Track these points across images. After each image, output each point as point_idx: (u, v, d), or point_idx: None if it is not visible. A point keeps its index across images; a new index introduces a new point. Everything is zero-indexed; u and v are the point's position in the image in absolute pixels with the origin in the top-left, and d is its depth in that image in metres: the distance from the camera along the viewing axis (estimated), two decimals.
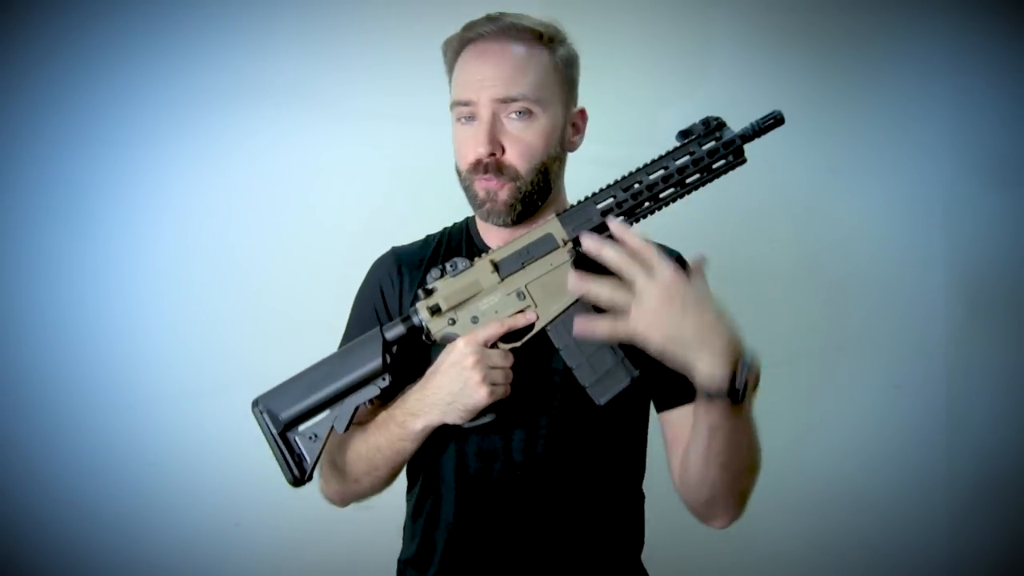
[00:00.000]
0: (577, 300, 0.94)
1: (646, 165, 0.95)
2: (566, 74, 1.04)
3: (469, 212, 1.16)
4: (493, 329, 0.94)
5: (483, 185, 1.01)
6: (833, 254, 1.92)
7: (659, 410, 1.09)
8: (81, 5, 1.49)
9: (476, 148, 0.99)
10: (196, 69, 1.54)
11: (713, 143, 0.95)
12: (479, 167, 0.99)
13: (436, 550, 1.06)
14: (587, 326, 0.89)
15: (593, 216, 0.95)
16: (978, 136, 2.02)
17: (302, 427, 0.98)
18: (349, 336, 1.12)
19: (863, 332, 1.95)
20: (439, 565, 1.05)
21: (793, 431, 1.90)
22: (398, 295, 1.08)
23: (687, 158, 0.94)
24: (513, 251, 0.96)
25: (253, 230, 1.58)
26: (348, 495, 1.08)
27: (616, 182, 0.95)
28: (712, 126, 0.95)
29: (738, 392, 0.84)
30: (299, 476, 0.98)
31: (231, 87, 1.55)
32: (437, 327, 0.97)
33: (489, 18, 1.02)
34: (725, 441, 0.90)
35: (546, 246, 0.96)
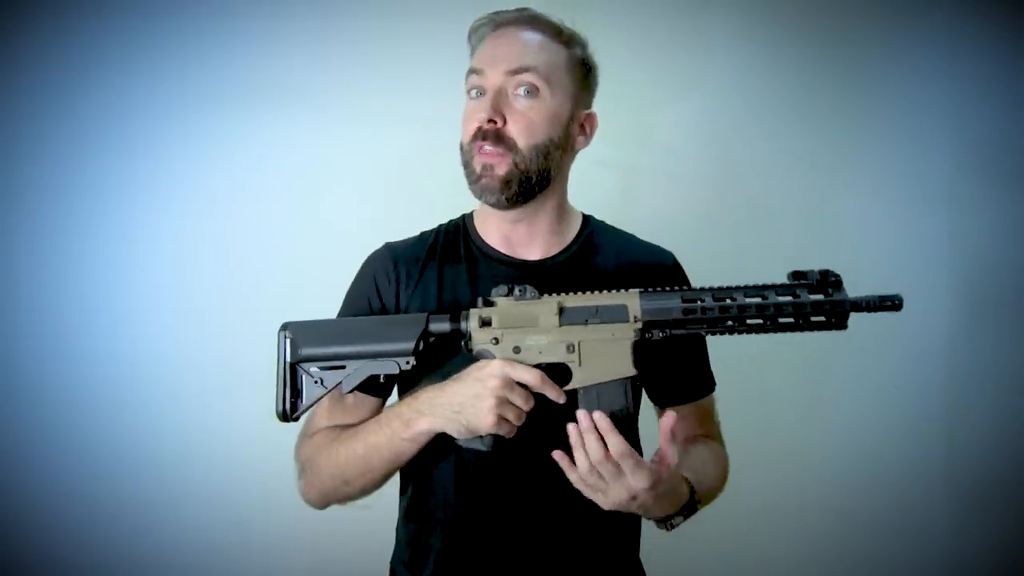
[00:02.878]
0: (621, 379, 0.92)
1: (747, 286, 0.93)
2: (580, 73, 1.07)
3: (465, 211, 1.16)
4: (530, 378, 0.91)
5: (481, 159, 1.01)
6: (833, 254, 1.92)
7: (662, 407, 1.15)
8: (81, 6, 1.49)
9: (478, 115, 1.01)
10: (195, 71, 1.54)
11: (821, 297, 0.93)
12: (479, 134, 1.01)
13: (431, 551, 1.05)
14: (564, 464, 0.90)
15: (675, 310, 0.92)
16: (978, 135, 2.02)
17: (313, 367, 0.98)
18: None
19: (863, 332, 1.95)
20: (434, 567, 1.05)
21: (793, 431, 1.90)
22: (394, 290, 1.08)
23: (789, 299, 0.92)
24: (584, 304, 0.94)
25: (253, 230, 1.58)
26: (334, 497, 1.06)
27: (711, 288, 0.94)
28: (828, 280, 0.94)
29: (668, 527, 0.98)
30: (288, 413, 0.98)
31: (230, 88, 1.55)
32: (480, 339, 0.95)
33: (517, 9, 1.07)
34: None
35: (616, 315, 0.93)
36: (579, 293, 0.95)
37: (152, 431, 1.52)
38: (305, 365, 0.99)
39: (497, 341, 0.94)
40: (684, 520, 0.99)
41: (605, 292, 0.95)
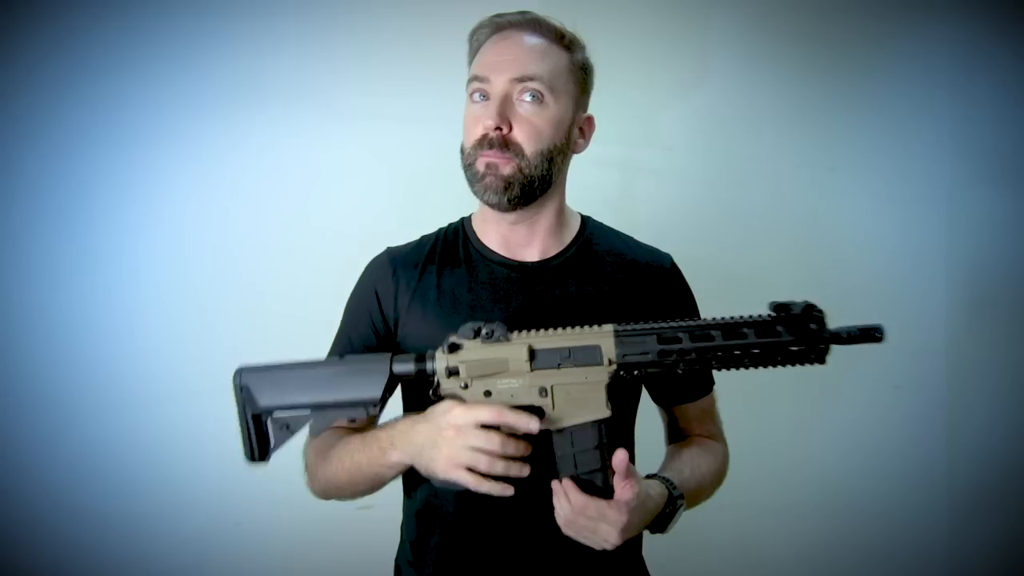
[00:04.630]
0: (594, 421, 0.90)
1: (724, 323, 0.90)
2: (580, 77, 1.07)
3: (466, 213, 1.17)
4: (488, 416, 0.88)
5: (485, 159, 1.01)
6: (833, 254, 1.92)
7: (664, 407, 1.18)
8: (81, 5, 1.49)
9: (484, 122, 1.00)
10: (195, 70, 1.54)
11: (803, 331, 0.88)
12: (484, 142, 1.00)
13: (432, 549, 1.06)
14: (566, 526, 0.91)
15: (651, 351, 0.89)
16: (979, 136, 2.02)
17: (277, 413, 0.96)
18: (341, 337, 1.13)
19: None
20: (435, 564, 1.05)
21: (793, 431, 1.90)
22: (393, 297, 1.08)
23: (769, 340, 0.88)
24: (555, 347, 0.90)
25: (252, 230, 1.57)
26: (332, 496, 1.09)
27: (687, 325, 0.90)
28: (811, 315, 0.88)
29: (664, 530, 0.99)
30: (258, 457, 0.96)
31: (230, 88, 1.55)
32: (447, 386, 0.92)
33: (519, 12, 1.06)
34: None
35: (590, 357, 0.89)
36: (550, 331, 0.91)
37: (152, 431, 1.52)
38: (266, 413, 0.96)
39: (466, 386, 0.91)
40: (675, 518, 0.99)
41: (578, 329, 0.91)
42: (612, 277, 1.08)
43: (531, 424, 0.87)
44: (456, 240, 1.12)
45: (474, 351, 0.90)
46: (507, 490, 0.89)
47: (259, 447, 0.96)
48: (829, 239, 1.92)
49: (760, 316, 0.90)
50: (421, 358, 0.93)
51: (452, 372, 0.91)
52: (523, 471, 0.89)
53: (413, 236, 1.16)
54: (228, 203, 1.56)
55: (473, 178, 1.03)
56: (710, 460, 1.12)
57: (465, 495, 1.03)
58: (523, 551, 1.03)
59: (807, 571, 1.93)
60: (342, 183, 1.62)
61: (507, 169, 1.00)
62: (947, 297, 2.01)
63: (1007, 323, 2.05)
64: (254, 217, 1.57)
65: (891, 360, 1.99)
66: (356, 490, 1.04)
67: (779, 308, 0.89)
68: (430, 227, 1.17)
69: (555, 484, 0.91)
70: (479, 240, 1.10)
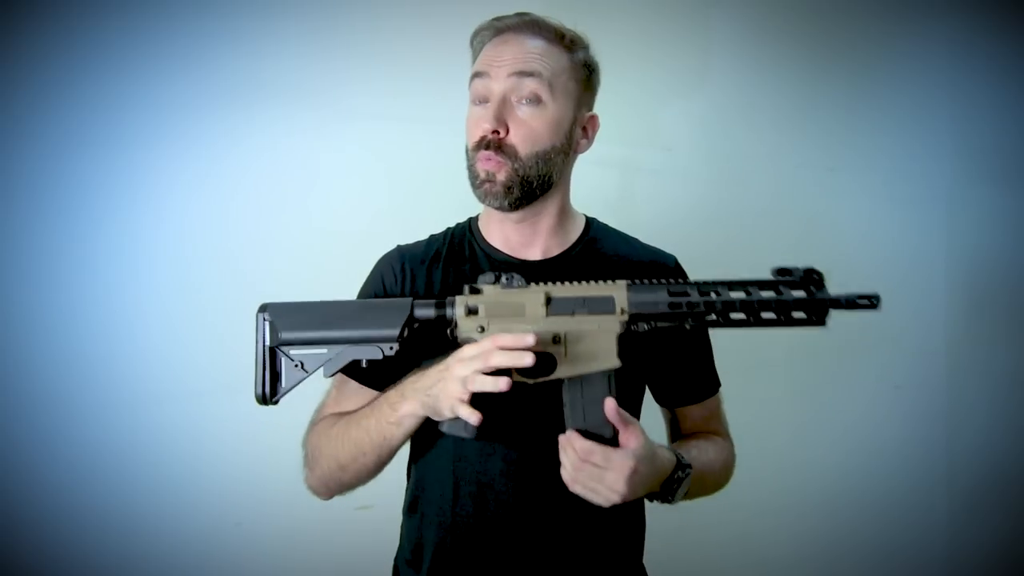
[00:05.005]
0: (604, 371, 0.93)
1: (730, 281, 0.95)
2: (582, 76, 1.07)
3: (470, 212, 1.17)
4: (487, 343, 0.89)
5: (483, 166, 1.02)
6: (833, 253, 1.92)
7: (668, 408, 1.18)
8: (81, 5, 1.49)
9: (482, 124, 1.02)
10: (195, 70, 1.54)
11: (803, 294, 0.94)
12: (482, 143, 1.02)
13: (428, 549, 1.06)
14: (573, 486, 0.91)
15: (661, 302, 0.93)
16: (979, 136, 2.02)
17: (293, 351, 0.96)
18: None
19: (863, 332, 1.95)
20: (431, 564, 1.05)
21: (793, 431, 1.90)
22: (400, 290, 1.09)
23: (772, 295, 0.93)
24: (571, 295, 0.94)
25: (253, 230, 1.57)
26: (332, 484, 1.07)
27: (696, 282, 0.95)
28: (812, 278, 0.94)
29: (672, 496, 1.00)
30: (268, 396, 0.96)
31: (230, 88, 1.55)
32: (465, 328, 0.94)
33: (518, 14, 1.07)
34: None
35: (603, 307, 0.93)
36: (566, 283, 0.95)
37: (152, 431, 1.52)
38: (285, 348, 0.96)
39: (483, 329, 0.93)
40: (683, 486, 1.00)
41: (592, 283, 0.95)
42: (615, 277, 1.08)
43: (527, 339, 0.88)
44: (463, 239, 1.13)
45: (494, 295, 0.94)
46: (474, 415, 0.88)
47: (271, 386, 0.96)
48: (829, 239, 1.92)
49: (764, 279, 0.95)
50: (441, 303, 0.96)
51: (471, 311, 0.94)
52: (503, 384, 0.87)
53: (413, 236, 1.16)
54: (228, 203, 1.56)
55: (474, 181, 1.05)
56: (717, 450, 1.13)
57: (461, 493, 1.03)
58: (522, 553, 1.02)
59: (807, 571, 1.93)
60: (342, 183, 1.62)
61: (502, 175, 1.01)
62: (947, 297, 2.01)
63: (1007, 323, 2.05)
64: (254, 217, 1.57)
65: (891, 360, 1.99)
66: (362, 465, 1.02)
67: (781, 272, 0.95)
68: (431, 227, 1.17)
69: (561, 437, 0.92)
70: (484, 239, 1.11)
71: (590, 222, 1.15)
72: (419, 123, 1.61)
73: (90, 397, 1.49)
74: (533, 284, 0.95)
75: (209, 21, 1.54)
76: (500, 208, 1.04)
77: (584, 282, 0.95)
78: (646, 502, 1.13)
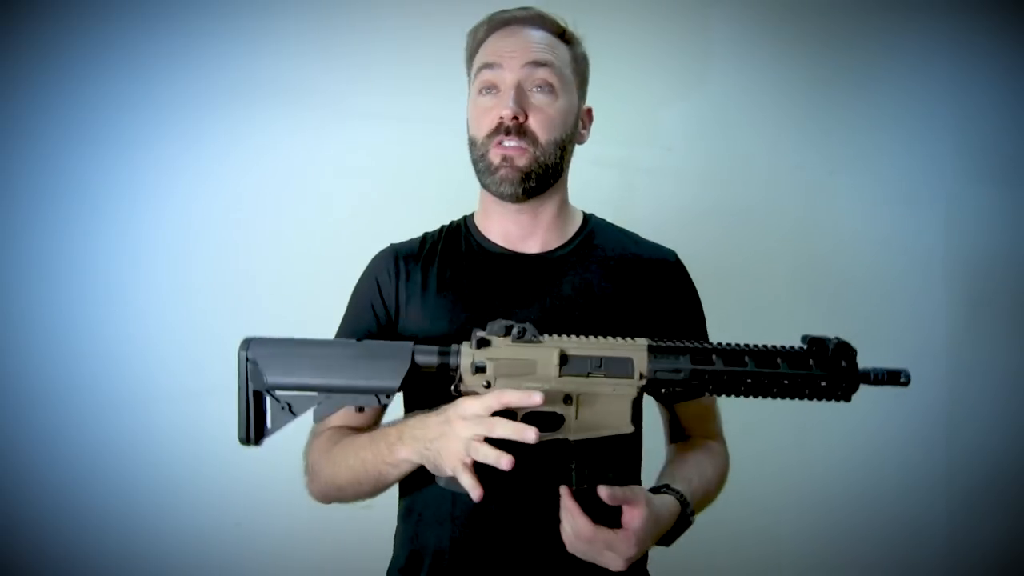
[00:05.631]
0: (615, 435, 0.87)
1: (757, 350, 0.88)
2: (580, 69, 1.09)
3: (466, 211, 1.17)
4: (493, 401, 0.84)
5: (500, 151, 1.01)
6: (833, 254, 1.92)
7: (665, 404, 1.17)
8: (81, 5, 1.49)
9: (501, 111, 1.01)
10: (195, 69, 1.54)
11: (831, 374, 0.88)
12: (499, 130, 1.01)
13: (425, 558, 1.04)
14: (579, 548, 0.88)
15: (684, 369, 0.87)
16: (979, 136, 2.02)
17: (281, 392, 0.90)
18: (344, 325, 1.12)
19: (863, 332, 1.94)
20: (428, 570, 1.04)
21: (793, 431, 1.90)
22: (394, 288, 1.09)
23: (802, 374, 0.88)
24: (588, 355, 0.87)
25: (252, 229, 1.57)
26: (332, 498, 1.07)
27: (722, 349, 0.88)
28: (845, 353, 0.88)
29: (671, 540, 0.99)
30: (252, 438, 0.90)
31: (231, 87, 1.55)
32: (470, 383, 0.88)
33: (520, 8, 1.08)
34: None
35: (621, 369, 0.87)
36: (583, 338, 0.89)
37: (151, 431, 1.52)
38: (271, 389, 0.90)
39: (489, 385, 0.87)
40: (683, 534, 1.00)
41: (610, 340, 0.89)
42: (614, 272, 1.08)
43: (534, 398, 0.83)
44: (458, 235, 1.13)
45: (503, 349, 0.87)
46: (475, 489, 0.84)
47: (255, 428, 0.90)
48: (829, 239, 1.92)
49: (792, 347, 0.89)
50: (445, 351, 0.90)
51: (479, 369, 0.87)
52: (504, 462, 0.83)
53: (411, 235, 1.16)
54: (228, 202, 1.56)
55: (486, 169, 1.03)
56: (715, 464, 1.12)
57: (462, 501, 1.02)
58: (519, 560, 1.01)
59: (808, 570, 1.93)
60: (342, 183, 1.62)
61: (522, 160, 1.01)
62: (947, 297, 2.01)
63: (1007, 323, 2.05)
64: (254, 216, 1.57)
65: (891, 360, 1.98)
66: (358, 491, 1.02)
67: (812, 342, 0.89)
68: (428, 226, 1.17)
69: (564, 498, 0.88)
70: (480, 234, 1.11)
71: (588, 217, 1.15)
72: (419, 123, 1.61)
73: (90, 397, 1.49)
74: (547, 337, 0.88)
75: (209, 21, 1.55)
76: (512, 196, 1.02)
77: (601, 337, 0.89)
78: None
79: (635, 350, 0.88)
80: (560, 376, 0.87)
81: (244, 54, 1.56)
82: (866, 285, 1.94)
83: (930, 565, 2.04)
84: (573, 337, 0.89)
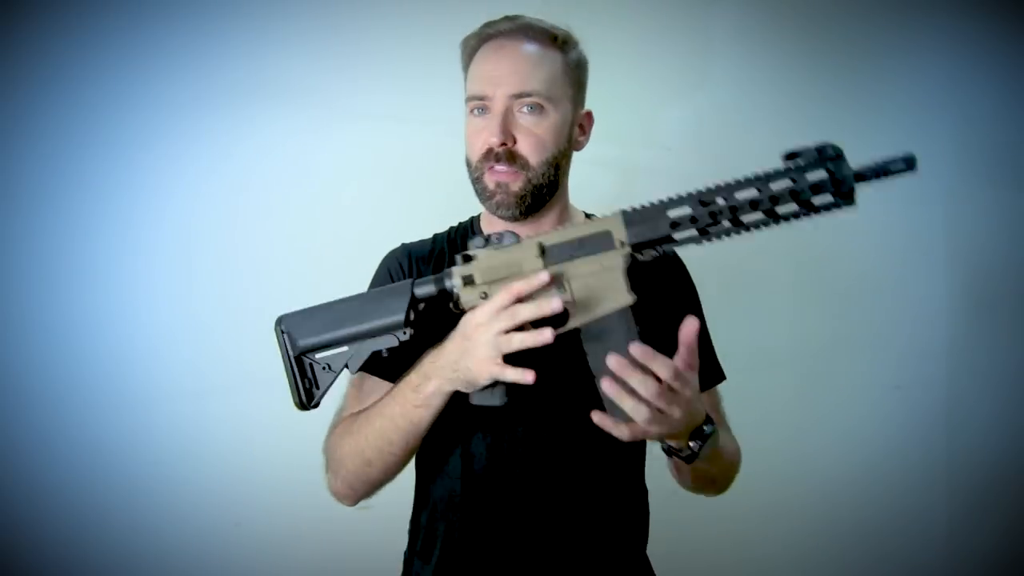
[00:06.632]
0: (618, 310, 0.86)
1: (736, 181, 0.85)
2: (576, 76, 1.07)
3: (472, 212, 1.17)
4: (504, 297, 0.85)
5: (494, 177, 1.02)
6: (833, 254, 1.92)
7: None
8: (81, 5, 1.49)
9: (489, 138, 1.01)
10: (196, 70, 1.54)
11: (822, 174, 0.82)
12: (490, 156, 1.01)
13: (438, 541, 1.06)
14: (607, 425, 0.84)
15: (661, 226, 0.86)
16: (979, 136, 2.03)
17: (319, 355, 0.98)
18: None
19: (863, 332, 1.95)
20: (440, 555, 1.05)
21: (793, 431, 1.90)
22: None
23: (786, 184, 0.83)
24: (565, 239, 0.89)
25: (253, 230, 1.58)
26: (359, 484, 1.04)
27: (695, 193, 0.86)
28: (827, 155, 0.82)
29: (694, 455, 0.92)
30: (306, 402, 0.97)
31: (231, 88, 1.55)
32: (468, 298, 0.91)
33: (507, 18, 1.05)
34: (697, 472, 1.02)
35: (601, 244, 0.88)
36: (558, 228, 0.91)
37: (151, 431, 1.52)
38: (309, 354, 0.98)
39: (486, 295, 0.90)
40: (708, 443, 0.93)
41: (586, 222, 0.90)
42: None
43: (541, 276, 0.85)
44: (464, 238, 1.13)
45: (487, 258, 0.90)
46: (528, 375, 0.83)
47: (306, 392, 0.97)
48: (828, 239, 1.92)
49: (773, 169, 0.85)
50: (439, 278, 0.93)
51: (468, 281, 0.91)
52: (547, 336, 0.82)
53: (414, 236, 1.16)
54: (229, 203, 1.56)
55: (482, 193, 1.04)
56: (728, 437, 1.12)
57: (471, 486, 1.03)
58: (528, 544, 1.02)
59: (808, 571, 1.93)
60: (343, 183, 1.62)
61: (516, 186, 1.01)
62: (947, 297, 2.01)
63: (1007, 323, 2.05)
64: (255, 216, 1.57)
65: (892, 361, 1.99)
66: (388, 456, 1.00)
67: (790, 156, 0.83)
68: (432, 226, 1.17)
69: (615, 362, 0.80)
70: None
71: (589, 217, 1.15)
72: (419, 123, 1.62)
73: (90, 397, 1.49)
74: (525, 238, 0.90)
75: (209, 21, 1.55)
76: (512, 218, 1.04)
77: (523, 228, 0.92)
78: (647, 499, 1.14)
79: (611, 223, 0.88)
80: (545, 267, 0.88)
81: (244, 54, 1.56)
82: (866, 285, 1.94)
83: (930, 565, 2.04)
84: (551, 231, 0.91)
